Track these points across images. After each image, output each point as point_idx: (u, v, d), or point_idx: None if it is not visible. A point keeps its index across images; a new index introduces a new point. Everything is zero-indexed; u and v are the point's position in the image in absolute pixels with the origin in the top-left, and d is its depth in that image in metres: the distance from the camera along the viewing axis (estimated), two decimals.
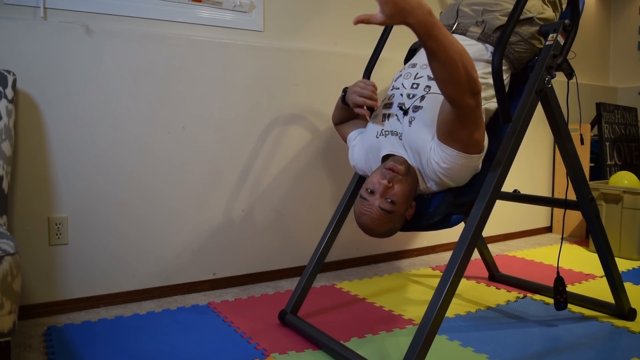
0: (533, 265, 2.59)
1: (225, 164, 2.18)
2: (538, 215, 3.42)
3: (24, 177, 1.79)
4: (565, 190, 3.15)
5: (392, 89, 1.60)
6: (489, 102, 1.49)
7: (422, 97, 1.48)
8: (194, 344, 1.61)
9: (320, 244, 1.78)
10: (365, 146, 1.61)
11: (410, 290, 2.17)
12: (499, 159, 1.42)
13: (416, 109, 1.47)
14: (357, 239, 2.52)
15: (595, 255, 2.18)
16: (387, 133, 1.52)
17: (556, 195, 3.46)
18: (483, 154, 1.41)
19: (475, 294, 2.13)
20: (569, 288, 2.07)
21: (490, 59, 1.46)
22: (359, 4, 2.48)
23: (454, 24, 1.63)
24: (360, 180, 1.78)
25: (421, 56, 1.60)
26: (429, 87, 1.49)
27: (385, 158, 1.52)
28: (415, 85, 1.52)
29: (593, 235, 1.77)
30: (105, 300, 1.95)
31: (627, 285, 2.15)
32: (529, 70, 1.57)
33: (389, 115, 1.54)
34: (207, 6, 2.12)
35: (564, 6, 1.68)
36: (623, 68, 3.98)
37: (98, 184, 1.91)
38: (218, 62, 2.12)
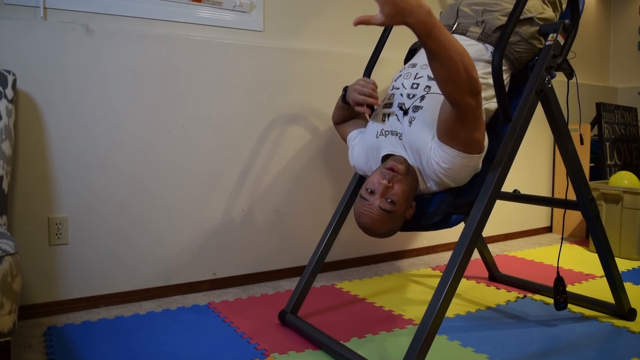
0: (533, 265, 2.59)
1: (225, 164, 2.18)
2: (538, 215, 3.42)
3: (24, 177, 1.79)
4: (565, 190, 3.14)
5: (392, 89, 1.60)
6: (489, 102, 1.49)
7: (422, 97, 1.48)
8: (194, 344, 1.61)
9: (320, 244, 1.78)
10: (365, 146, 1.61)
11: (410, 290, 2.17)
12: (499, 159, 1.42)
13: (416, 109, 1.47)
14: (357, 239, 2.52)
15: (595, 255, 2.17)
16: (387, 133, 1.52)
17: (556, 195, 3.45)
18: (483, 154, 1.41)
19: (475, 294, 2.13)
20: (569, 288, 2.06)
21: (490, 59, 1.46)
22: (359, 4, 2.48)
23: (454, 24, 1.63)
24: (360, 180, 1.78)
25: (421, 56, 1.60)
26: (429, 87, 1.49)
27: (385, 158, 1.52)
28: (415, 85, 1.52)
29: (593, 235, 1.77)
30: (105, 300, 1.95)
31: (627, 285, 2.14)
32: (529, 70, 1.57)
33: (388, 115, 1.54)
34: (207, 6, 2.12)
35: (564, 6, 1.68)
36: (623, 68, 3.98)
37: (98, 184, 1.91)
38: (218, 62, 2.12)
